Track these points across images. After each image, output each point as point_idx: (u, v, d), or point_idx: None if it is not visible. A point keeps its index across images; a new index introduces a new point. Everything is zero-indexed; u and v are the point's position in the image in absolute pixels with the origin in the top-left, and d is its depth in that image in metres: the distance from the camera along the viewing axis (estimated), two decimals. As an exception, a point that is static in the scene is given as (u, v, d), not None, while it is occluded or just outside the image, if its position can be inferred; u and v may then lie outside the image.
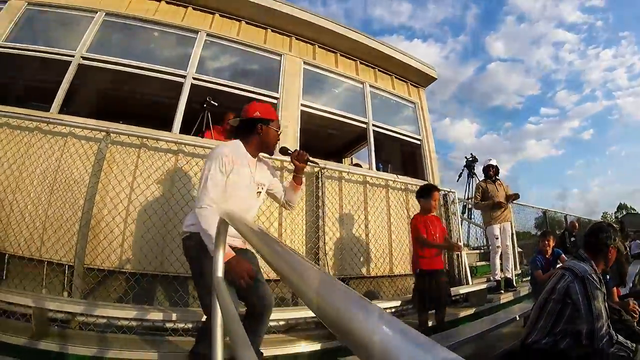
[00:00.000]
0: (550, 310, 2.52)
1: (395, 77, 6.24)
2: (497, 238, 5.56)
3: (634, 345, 2.36)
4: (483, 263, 6.29)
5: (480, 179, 6.64)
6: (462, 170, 8.44)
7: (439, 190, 4.07)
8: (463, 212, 7.81)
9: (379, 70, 6.07)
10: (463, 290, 4.87)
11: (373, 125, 5.53)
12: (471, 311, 4.47)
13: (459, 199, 7.97)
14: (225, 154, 2.32)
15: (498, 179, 5.75)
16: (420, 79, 6.41)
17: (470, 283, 5.12)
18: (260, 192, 2.55)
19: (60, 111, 3.89)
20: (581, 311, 2.37)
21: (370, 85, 5.79)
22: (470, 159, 8.22)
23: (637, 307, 3.18)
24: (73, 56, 4.15)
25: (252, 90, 4.75)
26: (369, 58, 5.90)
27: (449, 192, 5.56)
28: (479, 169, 8.08)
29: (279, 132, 2.56)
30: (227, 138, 4.15)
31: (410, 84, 6.38)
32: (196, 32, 4.76)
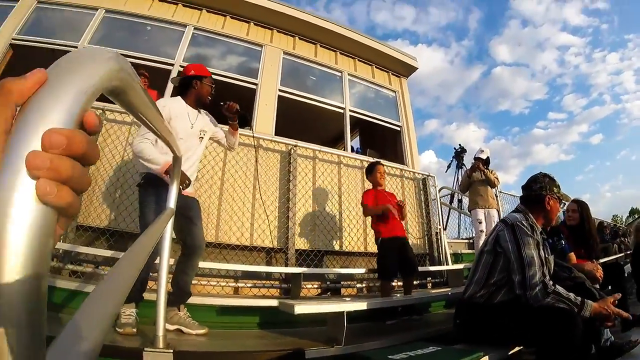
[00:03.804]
0: (484, 262, 2.46)
1: (376, 67, 6.48)
2: (480, 222, 5.63)
3: (578, 298, 2.15)
4: (470, 251, 6.32)
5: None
6: (451, 160, 8.45)
7: (382, 164, 4.21)
8: (451, 202, 7.83)
9: (359, 60, 6.33)
10: (439, 268, 4.97)
11: (350, 110, 5.79)
12: (448, 289, 4.54)
13: (448, 188, 8.10)
14: (162, 105, 2.69)
15: (483, 170, 5.79)
16: (401, 68, 6.62)
17: (450, 264, 5.19)
18: (202, 138, 2.93)
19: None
20: (511, 259, 2.29)
21: (349, 74, 6.07)
22: (459, 149, 8.25)
23: (600, 269, 3.17)
24: (76, 47, 4.58)
25: (233, 76, 5.12)
26: (348, 48, 6.18)
27: (427, 176, 5.67)
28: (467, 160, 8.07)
29: (212, 86, 2.95)
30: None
31: (392, 74, 6.60)
32: (184, 26, 5.21)
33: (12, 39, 4.56)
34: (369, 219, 4.14)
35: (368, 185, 5.04)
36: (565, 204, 2.64)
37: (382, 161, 4.44)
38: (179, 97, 2.88)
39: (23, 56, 4.68)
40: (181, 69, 4.77)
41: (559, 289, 2.17)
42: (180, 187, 2.62)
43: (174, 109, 2.74)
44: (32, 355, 0.27)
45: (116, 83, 0.40)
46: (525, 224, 2.38)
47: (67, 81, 0.31)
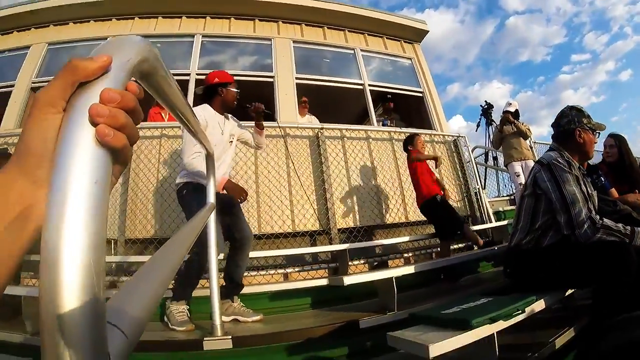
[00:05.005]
0: (526, 207, 2.41)
1: (387, 38, 6.41)
2: (518, 175, 5.50)
3: (628, 228, 2.08)
4: (512, 207, 6.18)
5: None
6: (480, 119, 8.18)
7: (419, 135, 4.32)
8: (486, 160, 7.65)
9: (368, 34, 6.29)
10: (482, 227, 4.88)
11: (369, 85, 5.79)
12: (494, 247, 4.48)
13: (481, 147, 7.91)
14: (198, 114, 2.76)
15: (514, 122, 5.64)
16: (411, 34, 6.52)
17: (492, 221, 5.10)
18: (232, 142, 3.02)
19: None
20: (553, 199, 2.24)
21: (362, 50, 6.05)
22: (485, 106, 7.98)
23: None
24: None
25: (250, 73, 5.26)
26: (356, 25, 6.15)
27: (458, 137, 5.57)
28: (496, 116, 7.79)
29: (237, 91, 2.98)
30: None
31: (404, 42, 6.51)
32: (192, 35, 5.38)
33: (32, 83, 4.85)
34: (408, 187, 4.21)
35: (400, 155, 5.05)
36: (598, 134, 2.52)
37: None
38: (206, 105, 2.92)
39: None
40: (198, 77, 4.93)
41: (607, 221, 2.11)
42: (240, 198, 2.76)
43: (208, 117, 2.83)
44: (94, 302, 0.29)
45: (146, 65, 0.48)
46: (562, 161, 2.31)
47: (113, 57, 0.38)
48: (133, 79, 0.41)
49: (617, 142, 3.61)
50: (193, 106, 3.53)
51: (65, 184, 0.30)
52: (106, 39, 5.05)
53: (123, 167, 0.39)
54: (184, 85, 4.91)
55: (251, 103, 2.99)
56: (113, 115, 0.33)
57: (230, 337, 2.27)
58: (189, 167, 2.67)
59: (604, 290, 2.02)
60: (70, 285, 0.28)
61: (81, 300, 0.28)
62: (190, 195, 2.76)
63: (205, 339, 2.26)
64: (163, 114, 4.76)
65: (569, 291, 2.39)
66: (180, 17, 5.48)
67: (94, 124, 0.32)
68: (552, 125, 2.60)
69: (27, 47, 5.15)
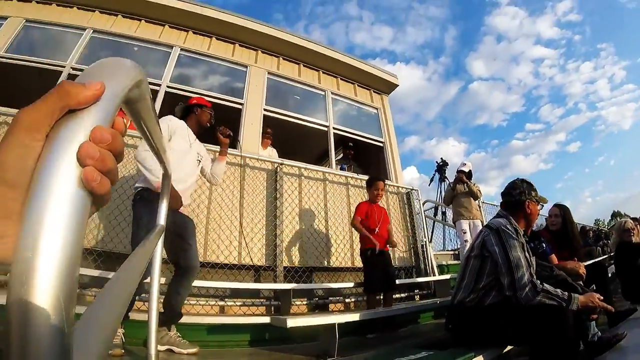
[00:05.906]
0: (472, 267, 2.51)
1: (358, 85, 6.65)
2: (464, 232, 5.72)
3: (565, 293, 2.22)
4: (456, 262, 6.40)
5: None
6: (434, 174, 8.55)
7: (382, 180, 4.33)
8: (435, 214, 7.94)
9: (341, 78, 6.49)
10: (426, 279, 5.01)
11: (334, 128, 5.91)
12: (436, 300, 4.58)
13: (431, 201, 8.22)
14: (169, 119, 2.91)
15: (467, 182, 5.94)
16: (382, 86, 6.80)
17: (436, 275, 5.25)
18: (199, 161, 3.05)
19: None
20: (499, 262, 2.35)
21: (332, 93, 6.21)
22: (441, 163, 8.36)
23: (582, 266, 3.27)
24: (64, 67, 4.62)
25: (220, 96, 5.19)
26: (331, 67, 6.34)
27: (411, 190, 5.77)
28: (450, 174, 8.18)
29: (211, 114, 3.19)
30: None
31: (373, 91, 6.78)
32: (171, 47, 5.30)
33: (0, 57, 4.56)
34: (357, 233, 4.20)
35: (354, 200, 5.13)
36: (542, 205, 2.73)
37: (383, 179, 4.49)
38: (172, 116, 3.01)
39: (9, 74, 4.70)
40: (168, 89, 4.86)
41: (547, 286, 2.24)
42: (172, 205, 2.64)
43: (177, 126, 2.91)
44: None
45: (136, 92, 0.45)
46: (510, 228, 2.46)
47: (106, 84, 0.34)
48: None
49: (562, 212, 3.86)
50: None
51: (39, 224, 0.27)
52: (85, 29, 4.93)
53: (96, 210, 0.35)
54: (152, 95, 4.77)
55: (220, 125, 3.14)
56: (102, 158, 0.31)
57: (163, 370, 2.16)
58: (139, 157, 2.60)
59: (541, 349, 2.12)
60: (38, 331, 0.26)
61: (49, 346, 0.27)
62: (139, 205, 2.67)
63: (137, 369, 2.14)
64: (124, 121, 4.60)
65: (506, 349, 2.49)
66: (163, 26, 5.40)
67: (82, 164, 0.30)
68: (502, 194, 2.76)
69: (5, 19, 4.82)
